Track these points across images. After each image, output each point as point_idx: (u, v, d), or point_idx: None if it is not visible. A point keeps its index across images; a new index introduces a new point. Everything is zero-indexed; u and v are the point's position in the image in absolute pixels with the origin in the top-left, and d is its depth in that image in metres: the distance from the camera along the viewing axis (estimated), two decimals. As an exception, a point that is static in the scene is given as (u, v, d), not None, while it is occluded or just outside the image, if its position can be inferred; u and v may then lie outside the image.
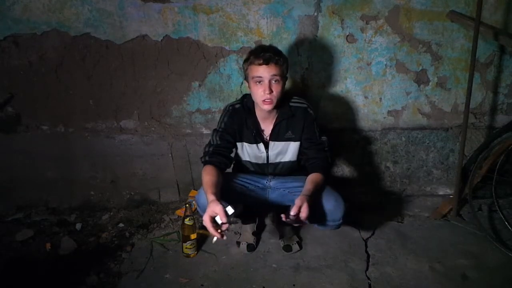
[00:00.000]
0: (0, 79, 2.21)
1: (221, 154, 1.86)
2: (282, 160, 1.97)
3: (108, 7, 2.10)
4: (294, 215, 1.60)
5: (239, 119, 1.90)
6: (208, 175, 1.75)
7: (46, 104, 2.27)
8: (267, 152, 1.94)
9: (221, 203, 1.58)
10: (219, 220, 1.57)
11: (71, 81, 2.23)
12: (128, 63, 2.21)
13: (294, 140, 1.92)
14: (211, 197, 1.62)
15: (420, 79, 2.31)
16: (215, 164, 1.82)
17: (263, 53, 1.73)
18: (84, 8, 2.10)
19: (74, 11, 2.10)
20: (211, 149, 1.87)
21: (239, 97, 2.03)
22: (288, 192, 1.91)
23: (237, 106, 1.92)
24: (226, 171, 1.92)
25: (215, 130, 1.93)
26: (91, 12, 2.10)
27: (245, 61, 1.81)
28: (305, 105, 1.90)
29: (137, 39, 2.16)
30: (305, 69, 2.26)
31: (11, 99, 2.25)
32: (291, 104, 1.90)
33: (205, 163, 1.84)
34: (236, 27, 2.16)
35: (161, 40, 2.17)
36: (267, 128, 1.92)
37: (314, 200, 1.70)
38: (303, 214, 1.60)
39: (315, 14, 2.16)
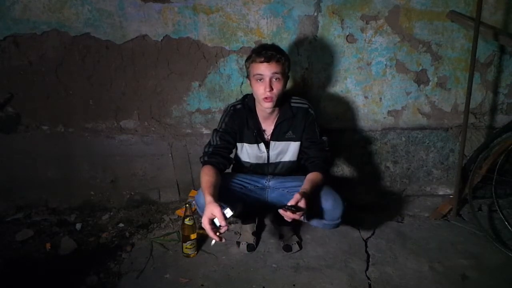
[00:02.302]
0: (0, 79, 2.21)
1: (220, 155, 1.87)
2: (282, 160, 1.97)
3: (108, 7, 2.10)
4: (292, 206, 1.60)
5: (240, 120, 1.90)
6: (206, 176, 1.76)
7: (46, 104, 2.27)
8: (267, 152, 1.94)
9: (220, 205, 1.58)
10: (217, 222, 1.56)
11: (71, 81, 2.23)
12: (128, 63, 2.21)
13: (295, 140, 1.93)
14: (209, 198, 1.62)
15: (420, 79, 2.31)
16: (213, 164, 1.83)
17: (265, 51, 1.75)
18: (84, 8, 2.10)
19: (74, 11, 2.10)
20: (210, 149, 1.88)
21: (239, 97, 2.03)
22: (287, 191, 1.91)
23: (238, 106, 1.92)
24: (226, 171, 1.93)
25: (215, 130, 1.93)
26: (91, 12, 2.10)
27: (247, 59, 1.82)
28: (306, 106, 1.91)
29: (137, 39, 2.16)
30: (305, 69, 2.26)
31: (11, 99, 2.25)
32: (292, 104, 1.90)
33: (204, 163, 1.85)
34: (236, 27, 2.16)
35: (161, 40, 2.17)
36: (268, 128, 1.92)
37: (312, 199, 1.70)
38: (302, 205, 1.61)
39: (315, 14, 2.16)
